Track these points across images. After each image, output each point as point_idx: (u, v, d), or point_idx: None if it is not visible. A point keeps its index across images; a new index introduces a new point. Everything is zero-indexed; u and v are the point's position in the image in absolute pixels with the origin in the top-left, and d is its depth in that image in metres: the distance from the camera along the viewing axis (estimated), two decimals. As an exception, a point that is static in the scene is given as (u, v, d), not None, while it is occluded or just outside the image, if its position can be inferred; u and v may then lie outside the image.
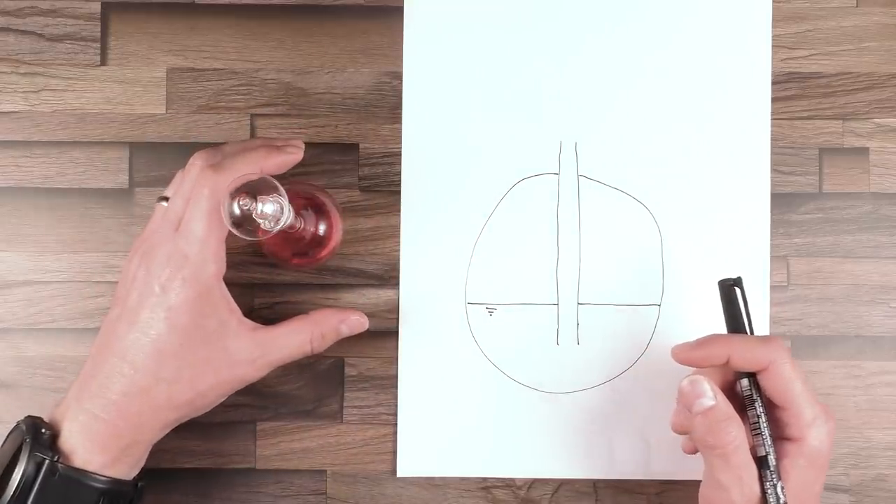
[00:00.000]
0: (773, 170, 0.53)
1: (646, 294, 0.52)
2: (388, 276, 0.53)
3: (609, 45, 0.53)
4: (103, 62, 0.53)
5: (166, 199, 0.46)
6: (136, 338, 0.44)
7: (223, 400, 0.47)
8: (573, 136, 0.53)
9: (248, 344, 0.46)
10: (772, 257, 0.53)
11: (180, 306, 0.43)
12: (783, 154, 0.53)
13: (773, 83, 0.53)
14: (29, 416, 0.44)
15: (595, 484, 0.52)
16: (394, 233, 0.53)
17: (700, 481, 0.52)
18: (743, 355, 0.43)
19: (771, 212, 0.53)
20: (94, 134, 0.53)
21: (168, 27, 0.53)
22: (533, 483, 0.52)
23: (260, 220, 0.42)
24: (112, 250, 0.53)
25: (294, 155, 0.48)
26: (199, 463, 0.52)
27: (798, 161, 0.53)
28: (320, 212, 0.49)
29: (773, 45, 0.54)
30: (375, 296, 0.53)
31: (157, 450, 0.52)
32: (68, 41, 0.53)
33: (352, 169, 0.53)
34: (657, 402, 0.52)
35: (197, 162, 0.45)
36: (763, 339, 0.44)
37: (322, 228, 0.49)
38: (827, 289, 0.53)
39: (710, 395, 0.43)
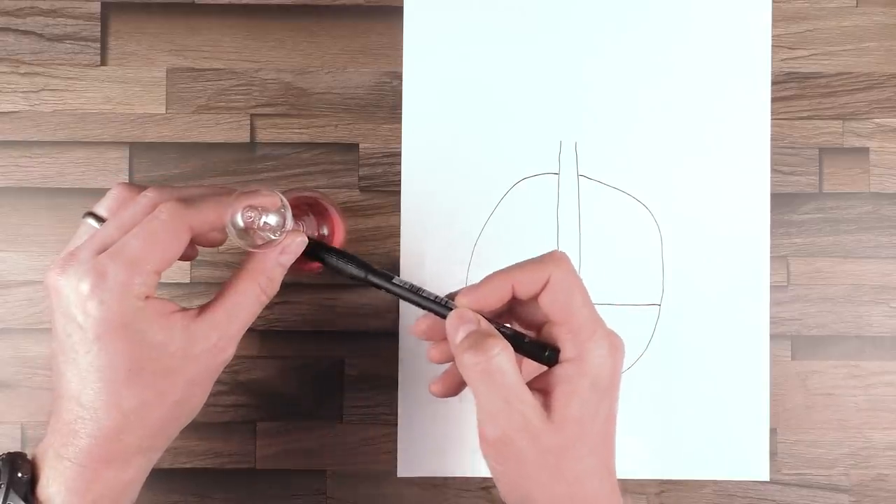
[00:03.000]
0: (774, 170, 0.53)
1: (646, 294, 0.52)
2: (388, 277, 0.53)
3: (609, 46, 0.53)
4: (103, 62, 0.53)
5: (94, 215, 0.42)
6: (77, 375, 0.38)
7: (209, 392, 0.43)
8: (573, 135, 0.53)
9: (200, 334, 0.40)
10: (772, 257, 0.53)
11: (109, 331, 0.38)
12: (783, 154, 0.53)
13: (773, 83, 0.53)
14: (9, 454, 0.40)
15: (595, 484, 0.52)
16: (394, 232, 0.53)
17: (701, 481, 0.52)
18: (525, 278, 0.40)
19: (771, 212, 0.53)
20: (94, 134, 0.53)
21: (168, 27, 0.53)
22: (533, 483, 0.52)
23: (262, 233, 0.40)
24: (112, 250, 0.53)
25: (270, 198, 0.41)
26: (199, 463, 0.52)
27: (798, 161, 0.53)
28: (322, 217, 0.49)
29: (773, 45, 0.54)
30: (375, 296, 0.53)
31: (157, 450, 0.52)
32: (68, 41, 0.53)
33: (352, 169, 0.53)
34: (657, 401, 0.52)
35: (150, 194, 0.41)
36: (540, 257, 0.41)
37: (325, 233, 0.49)
38: (827, 289, 0.53)
39: (469, 321, 0.40)
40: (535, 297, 0.40)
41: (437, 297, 0.41)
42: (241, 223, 0.40)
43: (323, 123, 0.53)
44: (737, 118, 0.53)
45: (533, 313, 0.42)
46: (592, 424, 0.39)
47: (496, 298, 0.41)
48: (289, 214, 0.41)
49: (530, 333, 0.42)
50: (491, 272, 0.41)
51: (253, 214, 0.40)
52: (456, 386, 0.44)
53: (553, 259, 0.40)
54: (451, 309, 0.41)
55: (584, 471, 0.39)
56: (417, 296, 0.41)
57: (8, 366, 0.52)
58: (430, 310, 0.41)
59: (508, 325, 0.41)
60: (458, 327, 0.40)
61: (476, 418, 0.40)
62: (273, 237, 0.41)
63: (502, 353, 0.38)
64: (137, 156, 0.53)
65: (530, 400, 0.38)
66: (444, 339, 0.42)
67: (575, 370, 0.39)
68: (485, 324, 0.40)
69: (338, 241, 0.50)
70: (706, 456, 0.52)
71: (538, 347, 0.40)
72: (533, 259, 0.41)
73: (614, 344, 0.40)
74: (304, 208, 0.48)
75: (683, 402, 0.52)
